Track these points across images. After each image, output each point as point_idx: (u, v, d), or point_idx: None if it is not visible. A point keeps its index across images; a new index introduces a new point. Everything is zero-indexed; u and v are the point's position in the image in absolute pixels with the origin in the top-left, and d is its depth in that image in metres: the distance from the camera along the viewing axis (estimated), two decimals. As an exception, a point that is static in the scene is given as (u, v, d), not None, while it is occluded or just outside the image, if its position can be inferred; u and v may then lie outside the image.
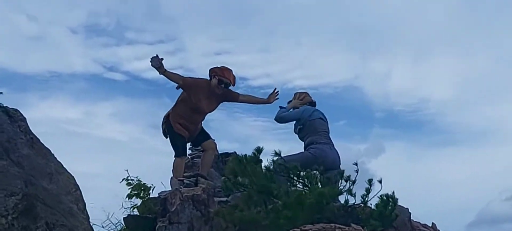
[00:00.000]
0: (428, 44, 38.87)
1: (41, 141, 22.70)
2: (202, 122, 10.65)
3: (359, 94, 41.81)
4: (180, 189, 8.77)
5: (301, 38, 40.65)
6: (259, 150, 8.45)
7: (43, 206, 20.24)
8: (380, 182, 8.20)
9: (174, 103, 10.55)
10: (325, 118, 10.38)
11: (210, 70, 10.50)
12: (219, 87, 10.36)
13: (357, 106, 42.46)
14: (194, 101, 10.27)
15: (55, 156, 22.77)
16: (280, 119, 10.19)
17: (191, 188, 8.89)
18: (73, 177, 23.13)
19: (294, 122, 10.31)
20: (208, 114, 10.64)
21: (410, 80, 42.55)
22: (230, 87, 10.48)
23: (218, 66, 10.55)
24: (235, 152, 9.92)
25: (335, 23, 39.27)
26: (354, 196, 8.33)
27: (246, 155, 8.38)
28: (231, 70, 10.50)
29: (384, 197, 8.08)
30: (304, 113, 10.23)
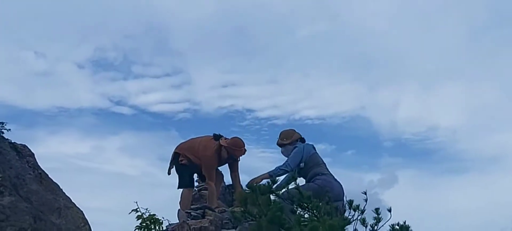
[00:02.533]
0: (435, 74, 38.94)
1: (50, 176, 22.67)
2: None
3: (367, 124, 41.81)
4: (188, 221, 8.71)
5: (308, 69, 40.75)
6: (273, 181, 8.41)
7: (52, 242, 20.16)
8: (390, 211, 8.14)
9: (184, 141, 10.58)
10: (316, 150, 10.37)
11: (221, 144, 10.58)
12: (227, 158, 10.44)
13: (365, 135, 42.43)
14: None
15: (64, 191, 22.76)
16: (283, 171, 10.07)
17: (199, 220, 8.83)
18: (82, 211, 23.10)
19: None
20: None
21: (417, 109, 42.55)
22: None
23: (233, 146, 10.61)
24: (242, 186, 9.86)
25: (342, 54, 39.39)
26: (365, 226, 8.28)
27: (260, 184, 8.33)
28: (243, 149, 10.63)
29: (396, 226, 8.02)
30: (304, 153, 10.20)
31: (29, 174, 21.97)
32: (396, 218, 8.17)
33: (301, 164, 10.20)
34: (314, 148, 10.45)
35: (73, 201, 22.51)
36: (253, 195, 8.04)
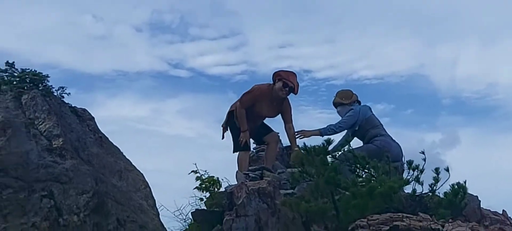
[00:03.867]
0: (495, 28, 38.19)
1: (110, 139, 23.15)
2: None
3: (426, 82, 41.33)
4: (246, 183, 8.79)
5: (366, 27, 40.39)
6: (328, 141, 8.43)
7: (114, 203, 20.77)
8: (448, 170, 8.10)
9: (238, 99, 10.60)
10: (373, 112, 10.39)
11: (274, 73, 10.49)
12: (284, 90, 10.36)
13: (423, 94, 41.99)
14: (257, 111, 10.33)
15: (124, 153, 23.19)
16: (333, 131, 10.04)
17: (257, 181, 8.90)
18: (142, 174, 23.58)
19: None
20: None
21: (477, 66, 41.86)
22: (292, 95, 10.47)
23: (284, 69, 10.54)
24: (298, 146, 9.87)
25: (400, 11, 38.88)
26: (422, 185, 8.27)
27: (315, 146, 8.36)
28: (296, 75, 10.48)
29: (455, 186, 7.99)
30: (360, 116, 10.18)
31: (90, 137, 22.53)
32: (458, 178, 8.14)
33: (355, 127, 10.19)
34: (371, 110, 10.42)
35: (133, 163, 22.87)
36: (309, 156, 8.08)
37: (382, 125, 10.27)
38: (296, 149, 10.08)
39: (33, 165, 19.97)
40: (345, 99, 10.48)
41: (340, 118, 10.41)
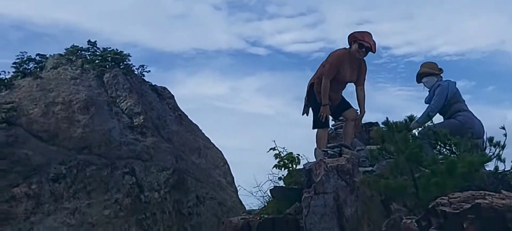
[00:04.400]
0: None
1: (189, 117, 23.50)
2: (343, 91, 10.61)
3: (508, 58, 40.43)
4: (324, 160, 8.77)
5: (444, 2, 39.61)
6: (411, 118, 8.32)
7: (193, 180, 21.10)
8: None
9: (316, 72, 10.55)
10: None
11: (349, 35, 10.42)
12: (360, 51, 10.28)
13: (506, 71, 41.11)
14: (339, 78, 10.28)
15: (203, 131, 23.51)
16: (429, 118, 9.84)
17: (335, 159, 8.87)
18: (220, 151, 23.88)
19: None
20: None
21: (559, 40, 40.65)
22: (370, 53, 10.36)
23: (358, 30, 10.45)
24: (377, 122, 9.80)
25: (482, -17, 38.03)
26: (504, 162, 8.09)
27: (396, 122, 8.26)
28: (371, 35, 10.36)
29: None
30: (449, 91, 9.99)
31: (170, 115, 22.93)
32: None
33: (445, 103, 10.03)
34: (454, 83, 10.24)
35: (212, 141, 23.20)
36: (389, 132, 7.99)
37: (464, 101, 10.10)
38: (363, 112, 10.17)
39: (115, 142, 20.47)
40: (433, 69, 10.30)
41: (427, 90, 10.25)
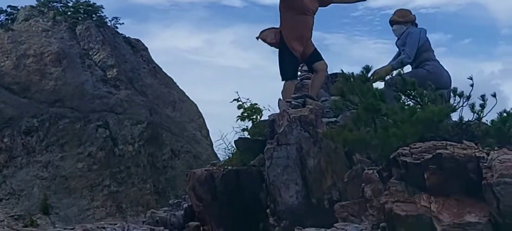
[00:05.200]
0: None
1: (164, 69, 23.31)
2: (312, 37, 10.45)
3: (483, 11, 40.46)
4: (288, 110, 8.65)
5: (419, -46, 39.47)
6: (367, 68, 8.21)
7: (168, 134, 21.04)
8: (494, 96, 7.81)
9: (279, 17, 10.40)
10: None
11: None
12: None
13: (481, 24, 41.19)
14: (297, 3, 10.11)
15: (177, 84, 23.37)
16: (402, 64, 9.71)
17: (299, 109, 8.75)
18: (195, 104, 23.75)
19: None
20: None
21: (537, -6, 40.68)
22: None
23: None
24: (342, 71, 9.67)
25: None
26: (474, 113, 8.00)
27: (353, 73, 8.15)
28: None
29: (503, 114, 7.72)
30: (420, 38, 9.86)
31: (144, 68, 22.78)
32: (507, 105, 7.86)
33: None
34: (426, 33, 10.12)
35: (187, 94, 23.08)
36: (348, 83, 7.88)
37: (433, 51, 9.98)
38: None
39: (88, 95, 20.33)
40: (403, 17, 10.16)
41: (396, 38, 10.13)
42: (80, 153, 19.67)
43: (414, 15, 10.27)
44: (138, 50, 22.95)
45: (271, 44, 10.42)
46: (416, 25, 10.22)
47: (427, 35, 10.09)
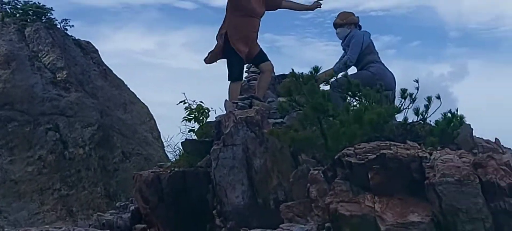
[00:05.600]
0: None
1: (114, 72, 23.02)
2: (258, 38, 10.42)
3: (432, 13, 40.96)
4: (234, 112, 8.64)
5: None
6: (316, 69, 8.23)
7: (119, 136, 20.78)
8: (439, 97, 7.90)
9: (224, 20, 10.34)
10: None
11: None
12: None
13: (430, 26, 41.67)
14: (244, 4, 10.08)
15: (129, 86, 23.09)
16: (345, 67, 9.75)
17: (245, 110, 8.74)
18: (146, 106, 23.47)
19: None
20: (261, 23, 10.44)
21: (484, -2, 41.32)
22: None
23: None
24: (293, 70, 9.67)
25: None
26: (418, 115, 8.08)
27: (302, 73, 8.16)
28: None
29: (447, 114, 7.81)
30: (364, 41, 9.93)
31: (94, 70, 22.46)
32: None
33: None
34: (370, 36, 10.19)
35: (138, 96, 22.84)
36: (297, 84, 7.89)
37: (377, 53, 10.05)
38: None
39: (38, 98, 19.99)
40: (345, 20, 10.21)
41: (340, 41, 10.19)
42: (29, 157, 19.33)
43: (357, 17, 10.34)
44: (88, 53, 22.64)
45: (218, 55, 10.41)
46: (360, 27, 10.30)
47: (372, 38, 10.18)
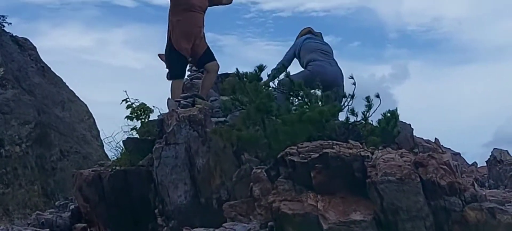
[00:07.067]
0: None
1: (53, 69, 22.70)
2: (204, 34, 10.38)
3: (372, 15, 41.53)
4: (176, 110, 8.59)
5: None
6: (260, 68, 8.25)
7: (57, 134, 20.47)
8: (378, 96, 8.01)
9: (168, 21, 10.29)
10: (320, 41, 10.33)
11: None
12: None
13: (370, 27, 42.24)
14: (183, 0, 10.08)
15: (67, 84, 22.80)
16: (277, 71, 9.84)
17: (188, 109, 8.70)
18: (85, 104, 23.22)
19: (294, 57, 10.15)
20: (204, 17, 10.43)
21: (423, 0, 42.06)
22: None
23: None
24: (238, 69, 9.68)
25: None
26: (356, 115, 8.17)
27: (246, 72, 8.17)
28: None
29: (387, 114, 7.91)
30: (296, 46, 10.09)
31: (32, 67, 22.09)
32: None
33: (294, 57, 10.09)
34: (311, 38, 10.24)
35: (76, 94, 22.56)
36: (241, 83, 7.91)
37: (323, 51, 10.08)
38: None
39: (-28, 94, 19.61)
40: (300, 34, 10.40)
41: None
42: (-38, 155, 18.95)
43: (306, 28, 10.48)
44: (25, 49, 22.31)
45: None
46: (319, 34, 10.46)
47: (314, 39, 10.26)
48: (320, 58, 9.86)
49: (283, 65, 9.25)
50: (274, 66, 9.62)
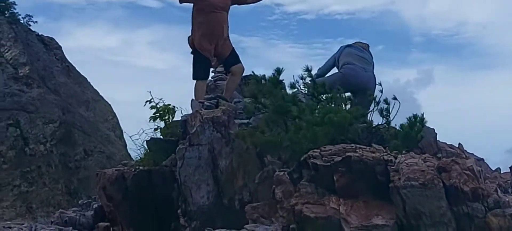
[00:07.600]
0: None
1: (78, 69, 22.81)
2: (228, 32, 10.38)
3: (396, 18, 41.34)
4: (200, 111, 8.62)
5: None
6: (279, 71, 8.28)
7: (81, 133, 20.58)
8: (395, 99, 8.05)
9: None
10: (361, 49, 10.36)
11: None
12: None
13: (394, 30, 42.04)
14: (204, 2, 10.12)
15: (92, 84, 22.91)
16: (316, 76, 9.88)
17: (211, 110, 8.73)
18: (109, 104, 23.31)
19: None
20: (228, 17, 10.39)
21: (447, 3, 41.86)
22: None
23: None
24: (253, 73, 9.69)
25: None
26: (383, 117, 8.17)
27: (265, 75, 8.21)
28: None
29: (411, 118, 7.89)
30: (336, 54, 10.16)
31: (57, 66, 22.23)
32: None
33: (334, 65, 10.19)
34: (351, 46, 10.31)
35: (101, 94, 22.65)
36: (260, 86, 7.95)
37: (361, 57, 10.11)
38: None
39: (-1, 93, 19.77)
40: None
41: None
42: (-11, 152, 19.09)
43: (364, 43, 10.59)
44: (51, 49, 22.44)
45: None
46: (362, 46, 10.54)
47: (338, 40, 10.40)
48: (354, 62, 9.90)
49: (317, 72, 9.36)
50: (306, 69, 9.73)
